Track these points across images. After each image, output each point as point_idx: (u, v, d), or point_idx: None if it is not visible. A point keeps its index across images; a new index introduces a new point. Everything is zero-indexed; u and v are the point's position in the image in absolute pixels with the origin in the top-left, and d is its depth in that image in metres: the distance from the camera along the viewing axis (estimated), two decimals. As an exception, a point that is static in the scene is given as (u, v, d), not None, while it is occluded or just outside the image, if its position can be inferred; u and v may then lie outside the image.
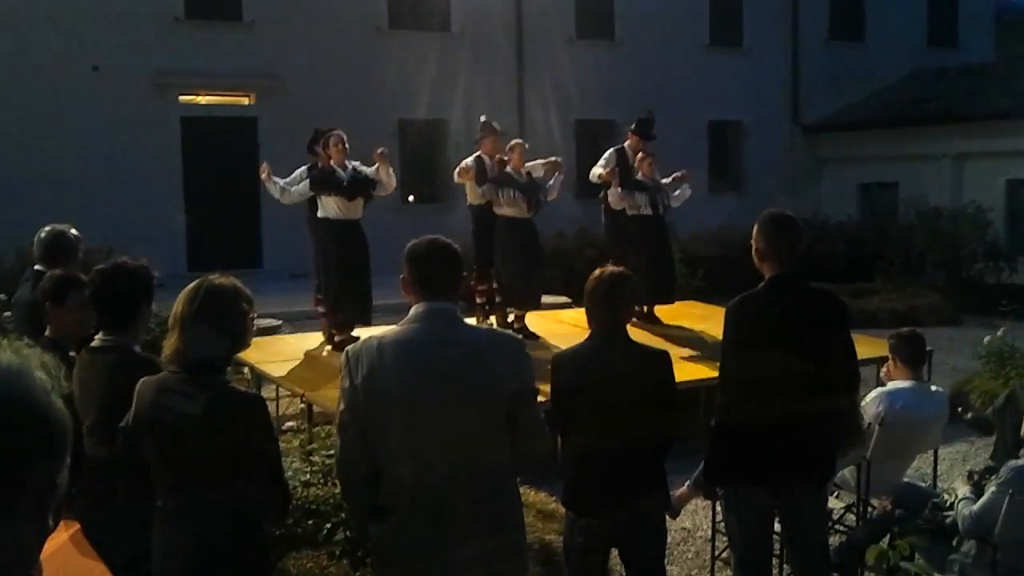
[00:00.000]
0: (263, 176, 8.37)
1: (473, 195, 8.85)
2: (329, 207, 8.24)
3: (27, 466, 1.29)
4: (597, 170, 9.57)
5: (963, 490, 4.54)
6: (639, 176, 9.54)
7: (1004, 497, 4.16)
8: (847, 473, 5.12)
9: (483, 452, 3.11)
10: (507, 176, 8.74)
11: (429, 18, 17.70)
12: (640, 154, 9.64)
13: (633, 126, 9.80)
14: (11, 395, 1.28)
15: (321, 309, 8.77)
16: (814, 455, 4.05)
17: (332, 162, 8.19)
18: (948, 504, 4.62)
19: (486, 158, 8.82)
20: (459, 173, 8.80)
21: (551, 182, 9.07)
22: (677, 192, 9.75)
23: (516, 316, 9.02)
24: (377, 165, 8.32)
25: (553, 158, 9.39)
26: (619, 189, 9.43)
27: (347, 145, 8.25)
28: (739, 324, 4.04)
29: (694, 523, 6.07)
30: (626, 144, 9.76)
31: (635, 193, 9.42)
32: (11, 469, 1.27)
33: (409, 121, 17.10)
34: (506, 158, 8.86)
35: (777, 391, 3.90)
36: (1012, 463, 4.31)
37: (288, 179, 8.39)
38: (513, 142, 9.16)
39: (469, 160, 8.89)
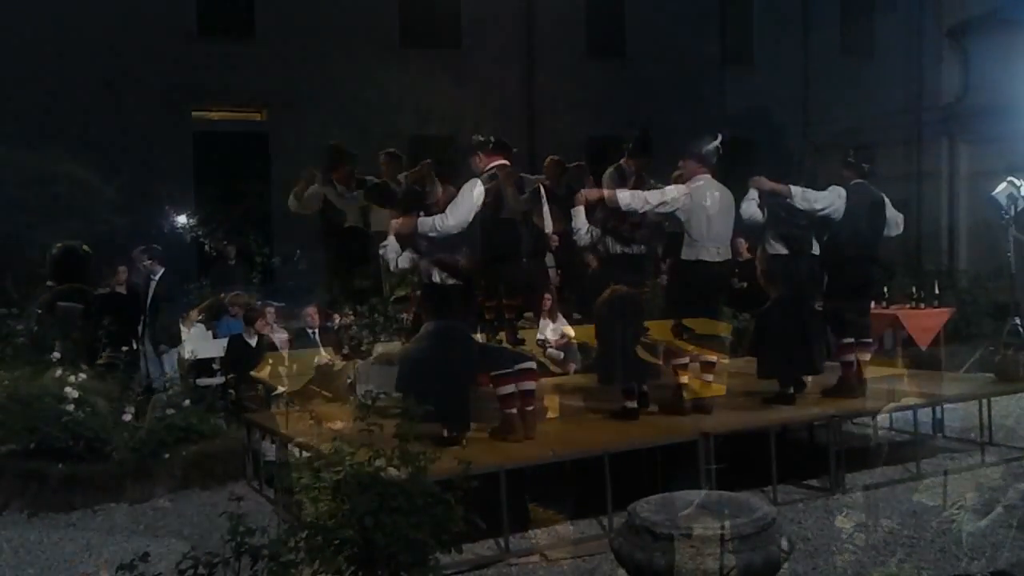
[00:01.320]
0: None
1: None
2: (383, 221, 8.45)
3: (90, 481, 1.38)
4: (628, 198, 9.23)
5: (969, 496, 4.53)
6: None
7: (1011, 519, 4.15)
8: (857, 492, 5.11)
9: (480, 460, 3.13)
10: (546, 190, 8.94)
11: (440, 35, 17.77)
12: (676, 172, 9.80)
13: (631, 147, 9.52)
14: (78, 419, 1.37)
15: (331, 324, 8.81)
16: (814, 466, 4.07)
17: (385, 177, 8.59)
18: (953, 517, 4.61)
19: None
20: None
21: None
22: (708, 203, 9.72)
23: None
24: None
25: (576, 163, 9.62)
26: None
27: (401, 160, 8.82)
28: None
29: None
30: (622, 161, 9.57)
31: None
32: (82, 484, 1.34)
33: (421, 137, 17.13)
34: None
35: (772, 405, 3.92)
36: (1020, 486, 4.30)
37: None
38: (548, 159, 9.48)
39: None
